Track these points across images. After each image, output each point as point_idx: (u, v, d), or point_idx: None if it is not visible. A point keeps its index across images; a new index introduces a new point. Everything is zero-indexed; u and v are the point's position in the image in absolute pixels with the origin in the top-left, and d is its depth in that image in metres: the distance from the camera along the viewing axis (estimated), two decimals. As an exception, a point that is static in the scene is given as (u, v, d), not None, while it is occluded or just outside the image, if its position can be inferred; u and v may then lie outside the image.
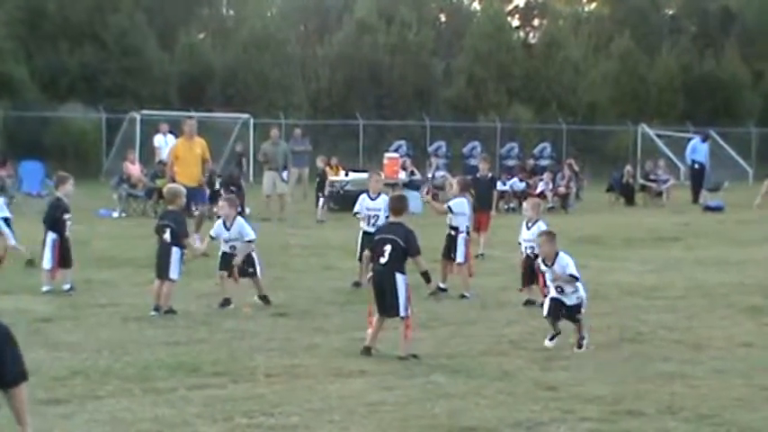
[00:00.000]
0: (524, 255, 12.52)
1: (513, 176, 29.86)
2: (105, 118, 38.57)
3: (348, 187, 28.16)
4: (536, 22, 62.89)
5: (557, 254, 10.32)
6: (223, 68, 45.88)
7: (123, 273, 14.50)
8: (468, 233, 13.77)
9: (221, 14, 57.18)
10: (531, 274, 12.16)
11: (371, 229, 12.77)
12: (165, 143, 28.51)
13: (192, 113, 37.38)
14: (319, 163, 27.25)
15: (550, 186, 29.34)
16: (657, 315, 12.04)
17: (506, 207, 27.83)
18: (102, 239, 19.17)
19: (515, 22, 60.42)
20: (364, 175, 28.85)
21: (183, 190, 12.95)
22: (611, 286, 14.10)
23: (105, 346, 9.59)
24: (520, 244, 12.72)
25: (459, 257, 13.46)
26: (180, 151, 18.80)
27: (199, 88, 44.49)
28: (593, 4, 60.99)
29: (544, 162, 37.18)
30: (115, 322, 10.86)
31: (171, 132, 29.25)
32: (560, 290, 10.21)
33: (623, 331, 11.04)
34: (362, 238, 13.43)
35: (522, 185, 29.08)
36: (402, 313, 9.64)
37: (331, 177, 28.33)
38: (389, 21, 48.79)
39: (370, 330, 9.79)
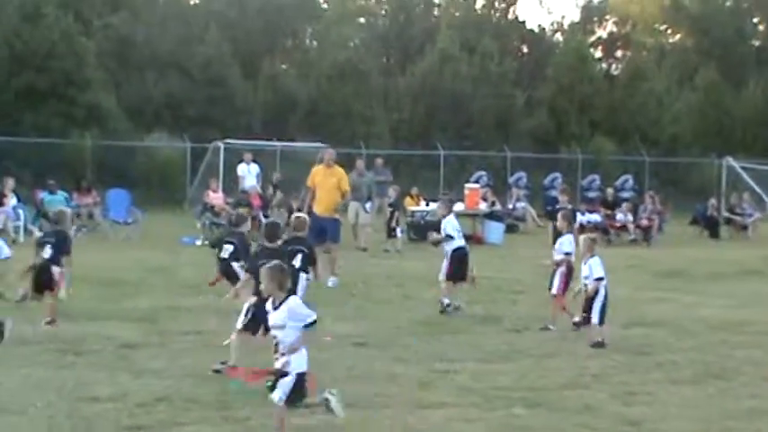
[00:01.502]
0: (582, 292, 12.19)
1: (594, 209, 29.60)
2: (190, 147, 39.10)
3: (428, 217, 28.18)
4: (619, 53, 62.47)
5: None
6: (305, 98, 46.32)
7: (206, 300, 14.64)
8: (567, 267, 13.47)
9: (304, 45, 57.81)
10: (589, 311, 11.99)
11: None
12: (248, 172, 28.84)
13: (275, 143, 37.94)
14: (391, 192, 27.20)
15: (630, 218, 29.05)
16: (744, 351, 11.84)
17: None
18: (185, 267, 19.40)
19: (598, 54, 60.04)
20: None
21: (307, 219, 13.57)
22: (695, 321, 13.90)
23: (188, 372, 9.69)
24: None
25: (554, 289, 13.34)
26: (316, 179, 18.59)
27: (282, 118, 44.96)
28: (678, 36, 60.44)
29: (626, 194, 36.84)
30: (199, 349, 10.97)
31: (254, 161, 29.58)
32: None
33: (708, 367, 10.87)
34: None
35: (599, 218, 28.76)
36: None
37: (411, 207, 28.41)
38: (471, 51, 48.87)
39: None
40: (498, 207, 29.43)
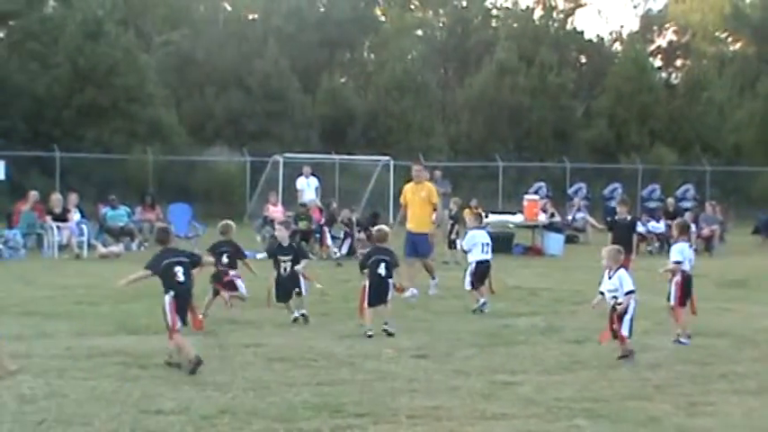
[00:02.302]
0: (610, 306, 11.72)
1: (653, 219, 29.38)
2: (249, 161, 39.41)
3: (488, 229, 28.11)
4: (679, 62, 61.92)
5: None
6: (364, 112, 46.51)
7: (267, 313, 14.74)
8: (683, 276, 13.24)
9: (363, 58, 58.04)
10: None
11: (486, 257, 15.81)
12: (307, 186, 29.01)
13: (334, 156, 38.14)
14: (452, 204, 27.17)
15: (692, 228, 28.76)
16: (809, 362, 11.68)
17: (648, 249, 27.43)
18: (246, 280, 19.51)
19: (658, 63, 59.58)
20: (504, 217, 28.90)
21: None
22: (759, 331, 13.74)
23: (251, 385, 9.76)
24: (602, 294, 11.83)
25: (672, 300, 13.14)
26: (408, 196, 18.69)
27: (340, 131, 45.19)
28: (738, 44, 59.78)
29: (687, 204, 36.50)
30: (260, 362, 11.04)
31: (313, 175, 29.73)
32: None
33: (773, 378, 10.74)
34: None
35: (662, 227, 28.60)
36: None
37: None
38: (530, 63, 48.78)
39: None
40: (558, 218, 29.28)
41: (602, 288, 11.76)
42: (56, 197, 26.30)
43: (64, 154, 36.27)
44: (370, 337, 12.74)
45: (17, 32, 43.12)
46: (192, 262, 11.16)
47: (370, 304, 13.18)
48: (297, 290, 14.20)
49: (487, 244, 16.11)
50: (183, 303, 10.76)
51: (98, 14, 41.60)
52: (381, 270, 13.30)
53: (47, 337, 12.24)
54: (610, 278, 11.67)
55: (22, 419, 8.08)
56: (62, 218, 25.19)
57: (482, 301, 15.48)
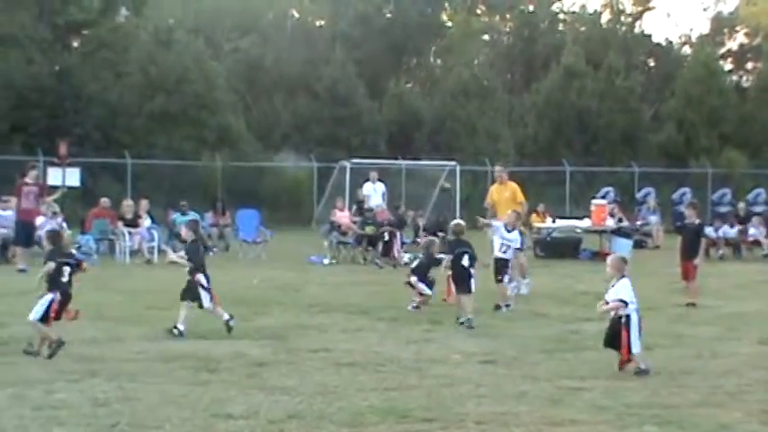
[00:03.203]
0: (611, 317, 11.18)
1: (724, 223, 29.02)
2: (316, 167, 39.63)
3: (555, 234, 28.02)
4: (750, 65, 61.07)
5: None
6: (430, 117, 46.53)
7: (334, 318, 14.84)
8: None
9: (429, 63, 58.09)
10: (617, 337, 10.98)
11: (503, 256, 16.27)
12: (374, 191, 29.06)
13: (400, 161, 38.19)
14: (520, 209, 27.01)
15: (763, 232, 28.38)
16: None
17: (718, 255, 27.12)
18: (313, 285, 19.70)
19: (728, 66, 58.82)
20: (571, 222, 28.73)
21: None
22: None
23: (319, 390, 9.82)
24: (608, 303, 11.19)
25: None
26: (494, 197, 19.82)
27: (407, 136, 45.25)
28: (811, 45, 58.83)
29: (758, 208, 35.98)
30: (328, 367, 11.11)
31: (380, 180, 29.80)
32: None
33: None
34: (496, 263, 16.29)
35: (734, 232, 28.27)
36: None
37: (537, 224, 28.25)
38: (597, 66, 48.45)
39: None
40: (626, 223, 29.04)
41: (607, 297, 11.22)
42: (127, 203, 26.69)
43: (135, 161, 36.78)
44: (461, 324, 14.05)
45: (90, 42, 43.79)
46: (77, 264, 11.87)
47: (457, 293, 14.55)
48: None
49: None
50: (64, 303, 11.38)
51: (169, 23, 42.11)
52: (465, 261, 14.40)
53: (119, 341, 12.43)
54: (613, 287, 11.14)
55: (96, 423, 8.22)
56: (133, 223, 25.55)
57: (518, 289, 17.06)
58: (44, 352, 11.08)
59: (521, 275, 18.21)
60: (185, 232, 14.33)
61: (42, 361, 10.84)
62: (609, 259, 11.62)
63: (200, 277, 13.03)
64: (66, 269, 11.44)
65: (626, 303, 10.88)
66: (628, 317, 10.90)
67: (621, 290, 10.97)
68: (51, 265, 11.36)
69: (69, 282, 11.49)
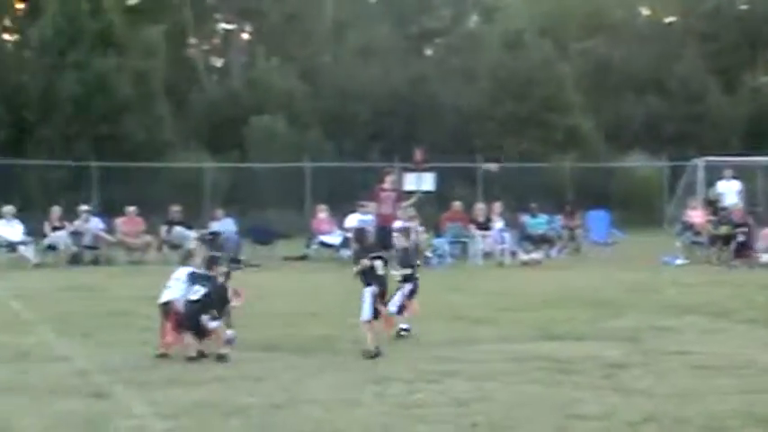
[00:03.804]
0: None
1: None
2: (668, 166, 38.77)
3: None
4: None
5: None
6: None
7: (689, 320, 14.52)
8: None
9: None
10: None
11: None
12: (728, 189, 28.13)
13: (758, 158, 36.60)
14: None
15: None
16: None
17: None
18: (667, 286, 19.33)
19: None
20: None
21: None
22: None
23: (675, 392, 9.65)
24: None
25: None
26: None
27: (762, 132, 43.32)
28: None
29: None
30: (684, 369, 10.89)
31: (734, 178, 28.79)
32: None
33: None
34: None
35: None
36: None
37: None
38: None
39: None
40: None
41: None
42: (479, 206, 27.27)
43: (485, 164, 37.46)
44: None
45: (442, 49, 45.13)
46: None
47: None
48: None
49: None
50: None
51: (516, 27, 42.64)
52: None
53: (474, 343, 12.73)
54: None
55: (456, 422, 8.49)
56: (485, 226, 26.07)
57: None
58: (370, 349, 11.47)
59: None
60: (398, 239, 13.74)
61: (403, 360, 11.28)
62: None
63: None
64: (379, 263, 11.76)
65: None
66: None
67: None
68: (365, 262, 11.78)
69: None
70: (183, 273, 11.65)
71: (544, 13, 48.06)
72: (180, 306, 11.38)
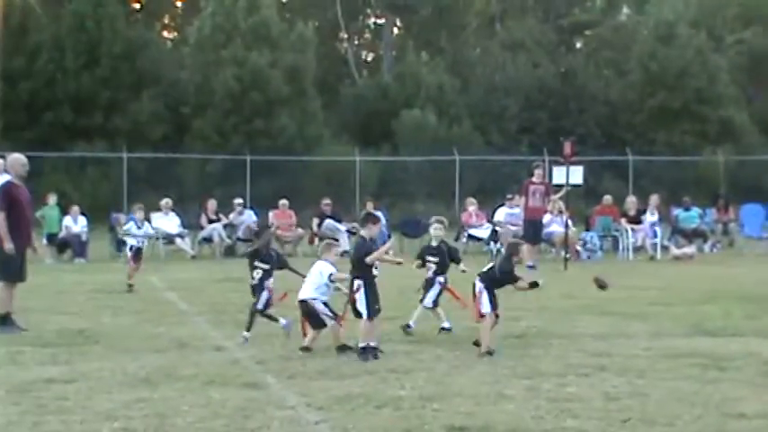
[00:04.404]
0: None
1: None
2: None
3: None
4: None
5: None
6: None
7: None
8: None
9: None
10: None
11: None
12: None
13: None
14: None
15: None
16: None
17: None
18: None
19: None
20: None
21: None
22: None
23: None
24: None
25: None
26: None
27: None
28: None
29: None
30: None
31: None
32: None
33: None
34: None
35: None
36: None
37: None
38: None
39: None
40: None
41: None
42: (630, 200, 26.91)
43: (636, 157, 36.94)
44: None
45: (593, 41, 44.69)
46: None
47: None
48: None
49: None
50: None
51: (670, 18, 41.90)
52: None
53: (625, 337, 12.61)
54: None
55: (607, 417, 8.44)
56: (636, 220, 25.72)
57: None
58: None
59: None
60: None
61: (554, 354, 11.27)
62: None
63: None
64: None
65: None
66: None
67: None
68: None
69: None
70: (319, 267, 11.63)
71: (697, 4, 47.03)
72: (315, 304, 11.44)
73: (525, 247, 22.81)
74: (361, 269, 11.10)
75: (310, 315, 11.45)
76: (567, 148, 23.88)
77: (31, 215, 13.89)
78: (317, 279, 11.50)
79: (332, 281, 11.41)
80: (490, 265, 11.51)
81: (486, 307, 11.22)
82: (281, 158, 35.60)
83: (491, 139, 41.10)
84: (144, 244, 19.64)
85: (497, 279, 11.29)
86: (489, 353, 11.05)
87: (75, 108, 38.97)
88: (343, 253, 24.68)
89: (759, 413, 8.49)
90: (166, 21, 52.33)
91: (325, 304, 11.41)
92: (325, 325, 11.41)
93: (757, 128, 42.28)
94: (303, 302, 11.53)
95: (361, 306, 11.01)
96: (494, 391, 9.37)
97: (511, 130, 41.04)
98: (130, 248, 18.48)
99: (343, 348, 11.27)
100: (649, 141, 40.05)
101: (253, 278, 12.34)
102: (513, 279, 11.36)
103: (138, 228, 18.99)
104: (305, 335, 11.61)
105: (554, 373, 10.20)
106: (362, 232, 11.56)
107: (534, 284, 11.47)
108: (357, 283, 11.06)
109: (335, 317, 11.39)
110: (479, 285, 11.27)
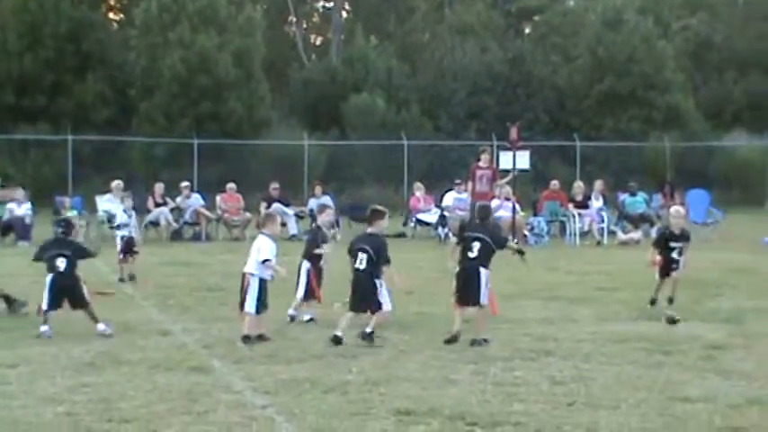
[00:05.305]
0: None
1: None
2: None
3: None
4: None
5: None
6: None
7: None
8: None
9: None
10: None
11: None
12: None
13: None
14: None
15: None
16: None
17: None
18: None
19: None
20: None
21: None
22: None
23: (779, 375, 9.53)
24: None
25: None
26: None
27: None
28: None
29: None
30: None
31: None
32: None
33: None
34: None
35: None
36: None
37: None
38: None
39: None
40: None
41: None
42: (577, 185, 27.06)
43: (584, 143, 37.18)
44: None
45: (541, 26, 44.86)
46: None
47: None
48: None
49: None
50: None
51: (617, 4, 42.20)
52: None
53: (572, 322, 12.70)
54: None
55: (553, 400, 8.49)
56: (583, 205, 25.87)
57: None
58: None
59: None
60: None
61: (501, 339, 11.30)
62: None
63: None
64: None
65: None
66: None
67: None
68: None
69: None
70: (258, 243, 11.41)
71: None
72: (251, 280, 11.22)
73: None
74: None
75: (243, 290, 11.30)
76: (514, 132, 23.95)
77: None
78: (256, 255, 11.36)
79: (264, 264, 11.22)
80: (477, 253, 11.34)
81: (486, 297, 11.29)
82: (229, 142, 35.41)
83: (439, 124, 41.16)
84: (136, 234, 18.94)
85: (494, 252, 11.35)
86: (486, 340, 11.06)
87: (18, 90, 38.40)
88: (291, 237, 24.88)
89: (702, 396, 8.59)
90: (112, 2, 51.74)
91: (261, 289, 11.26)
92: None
93: (703, 114, 42.70)
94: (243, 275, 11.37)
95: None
96: (440, 376, 9.40)
97: (459, 115, 41.10)
98: (121, 238, 17.57)
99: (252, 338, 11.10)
100: (596, 127, 40.30)
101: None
102: (505, 242, 12.20)
103: (129, 217, 18.17)
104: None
105: (500, 358, 10.26)
106: (370, 229, 11.51)
107: (521, 252, 12.21)
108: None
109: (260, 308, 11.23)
110: (485, 273, 11.24)
